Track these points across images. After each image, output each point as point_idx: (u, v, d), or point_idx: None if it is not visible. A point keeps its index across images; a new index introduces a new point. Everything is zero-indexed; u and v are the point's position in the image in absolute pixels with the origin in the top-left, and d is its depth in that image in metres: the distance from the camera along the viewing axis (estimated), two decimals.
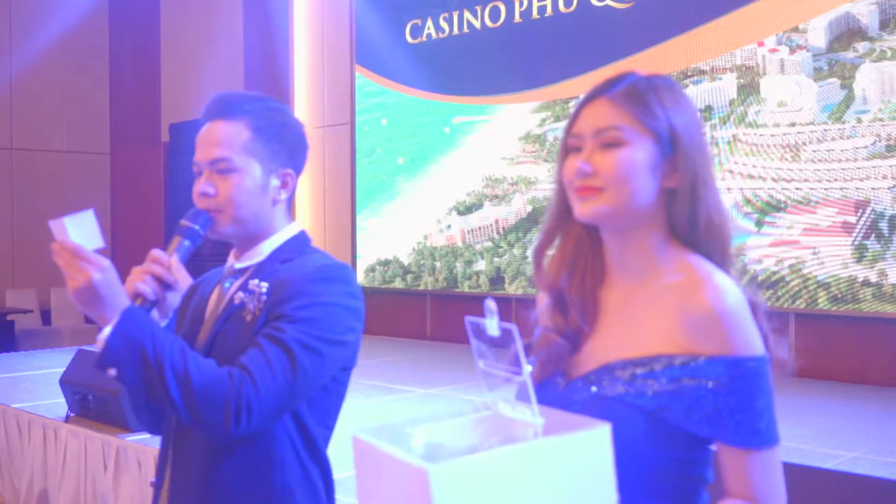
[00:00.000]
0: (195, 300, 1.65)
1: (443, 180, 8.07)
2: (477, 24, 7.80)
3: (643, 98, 1.18)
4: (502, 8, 7.61)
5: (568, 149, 1.22)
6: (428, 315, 8.04)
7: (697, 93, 6.41)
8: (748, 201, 6.10)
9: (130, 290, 1.47)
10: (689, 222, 1.19)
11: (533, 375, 1.20)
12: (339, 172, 8.70)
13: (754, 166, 6.08)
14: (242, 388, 1.36)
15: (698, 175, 1.18)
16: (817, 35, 5.77)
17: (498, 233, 7.60)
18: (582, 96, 1.24)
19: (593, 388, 1.17)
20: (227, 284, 1.60)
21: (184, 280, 1.55)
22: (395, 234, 8.33)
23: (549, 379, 1.23)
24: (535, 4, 7.36)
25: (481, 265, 7.66)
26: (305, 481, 1.52)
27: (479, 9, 7.77)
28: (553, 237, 1.27)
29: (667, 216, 1.20)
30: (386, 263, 8.42)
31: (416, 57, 8.24)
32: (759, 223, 5.98)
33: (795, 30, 5.90)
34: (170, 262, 1.50)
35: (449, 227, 7.97)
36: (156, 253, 1.50)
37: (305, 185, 8.70)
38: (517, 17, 7.51)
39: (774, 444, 1.12)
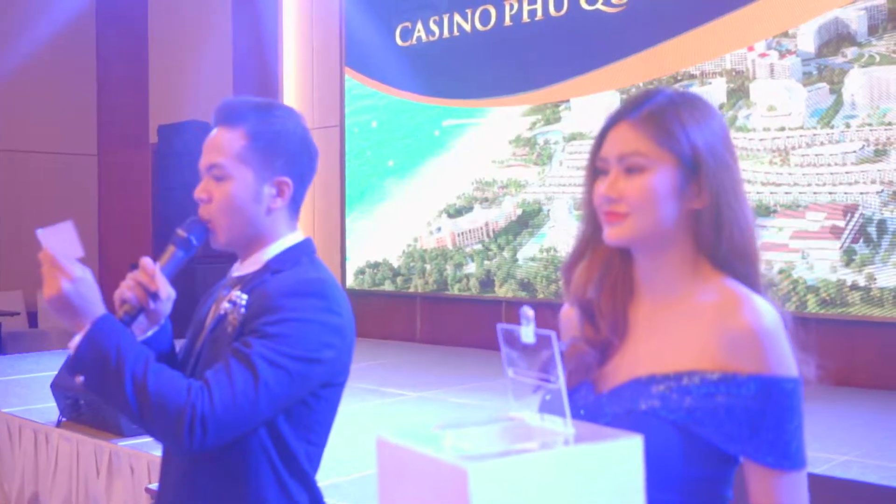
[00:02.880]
0: (202, 309, 1.65)
1: (433, 183, 8.07)
2: (467, 27, 7.81)
3: (663, 121, 1.19)
4: (493, 11, 7.61)
5: (596, 171, 1.24)
6: (418, 318, 8.05)
7: None
8: None
9: (118, 295, 1.50)
10: (714, 243, 1.20)
11: None
12: (329, 175, 8.69)
13: (744, 170, 6.08)
14: (198, 401, 1.34)
15: (722, 195, 1.18)
16: (806, 40, 5.80)
17: (488, 236, 7.61)
18: (606, 118, 1.26)
19: (624, 402, 1.17)
20: (224, 293, 1.59)
21: (164, 290, 1.53)
22: (384, 236, 8.33)
23: (575, 388, 1.23)
24: (526, 8, 7.37)
25: (471, 268, 7.67)
26: (284, 497, 1.50)
27: (469, 12, 7.78)
28: (583, 255, 1.29)
29: (694, 236, 1.21)
30: (375, 266, 8.42)
31: (406, 60, 8.24)
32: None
33: (785, 35, 5.94)
34: (152, 271, 1.50)
35: (439, 229, 7.98)
36: (144, 261, 1.52)
37: None
38: (507, 21, 7.52)
39: (802, 467, 1.13)
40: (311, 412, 1.51)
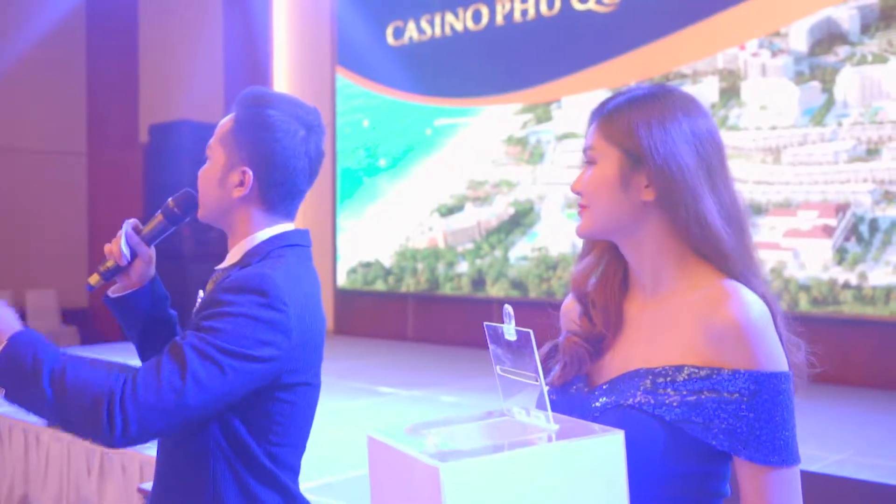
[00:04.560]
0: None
1: (424, 182, 8.05)
2: (459, 26, 7.80)
3: (613, 115, 1.24)
4: (484, 11, 7.61)
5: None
6: (409, 317, 8.03)
7: None
8: None
9: (105, 249, 1.60)
10: (679, 234, 1.21)
11: (554, 378, 1.25)
12: (320, 173, 8.65)
13: (736, 169, 6.10)
14: (117, 387, 1.31)
15: (672, 191, 1.19)
16: (798, 39, 5.81)
17: (480, 235, 7.60)
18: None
19: (613, 397, 1.17)
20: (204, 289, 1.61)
21: (144, 253, 1.62)
22: (376, 235, 8.31)
23: (569, 383, 1.25)
24: (518, 7, 7.37)
25: (463, 267, 7.65)
26: (246, 499, 1.47)
27: (461, 11, 7.77)
28: (588, 251, 1.33)
29: (664, 227, 1.22)
30: (367, 265, 8.40)
31: (398, 59, 8.22)
32: None
33: (777, 34, 5.94)
34: (118, 239, 1.58)
35: (431, 229, 7.96)
36: (126, 223, 1.60)
37: None
38: (499, 20, 7.51)
39: (794, 463, 1.12)
40: (270, 413, 1.47)
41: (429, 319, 7.86)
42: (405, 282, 8.06)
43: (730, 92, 6.19)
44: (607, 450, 0.97)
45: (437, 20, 7.94)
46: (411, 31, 8.14)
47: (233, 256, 1.53)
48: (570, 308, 1.35)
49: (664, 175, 1.18)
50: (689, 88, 6.40)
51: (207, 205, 1.53)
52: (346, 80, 8.60)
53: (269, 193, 1.54)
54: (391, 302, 8.09)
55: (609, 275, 1.29)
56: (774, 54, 5.98)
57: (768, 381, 1.11)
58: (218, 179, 1.51)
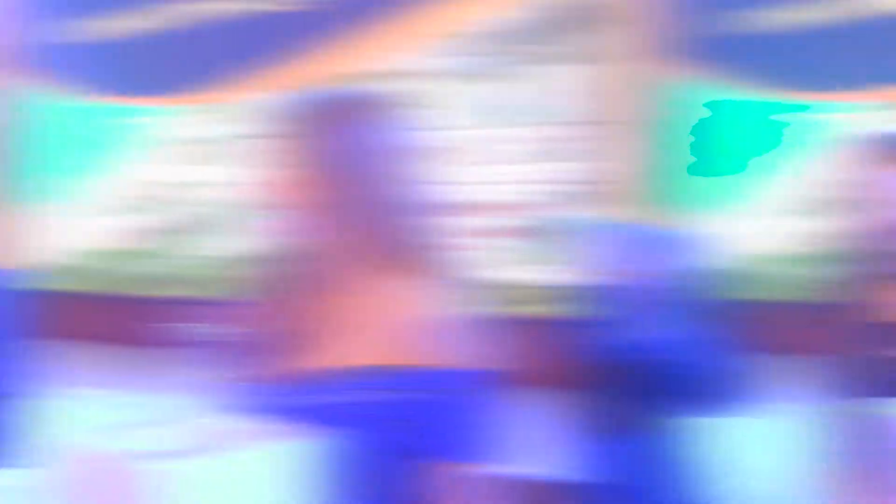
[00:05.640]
0: None
1: None
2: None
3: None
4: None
5: None
6: None
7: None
8: None
9: None
10: None
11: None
12: None
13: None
14: None
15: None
16: (479, 40, 5.83)
17: None
18: None
19: (312, 396, 1.15)
20: None
21: None
22: None
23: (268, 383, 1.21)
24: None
25: None
26: None
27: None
28: None
29: None
30: None
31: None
32: None
33: (457, 35, 5.94)
34: None
35: None
36: None
37: None
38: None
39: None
40: None
41: None
42: None
43: (410, 94, 6.04)
44: (293, 455, 0.99)
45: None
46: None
47: None
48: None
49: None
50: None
51: None
52: None
53: None
54: None
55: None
56: (454, 56, 5.98)
57: (445, 379, 1.16)
58: None
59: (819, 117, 7.41)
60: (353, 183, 1.21)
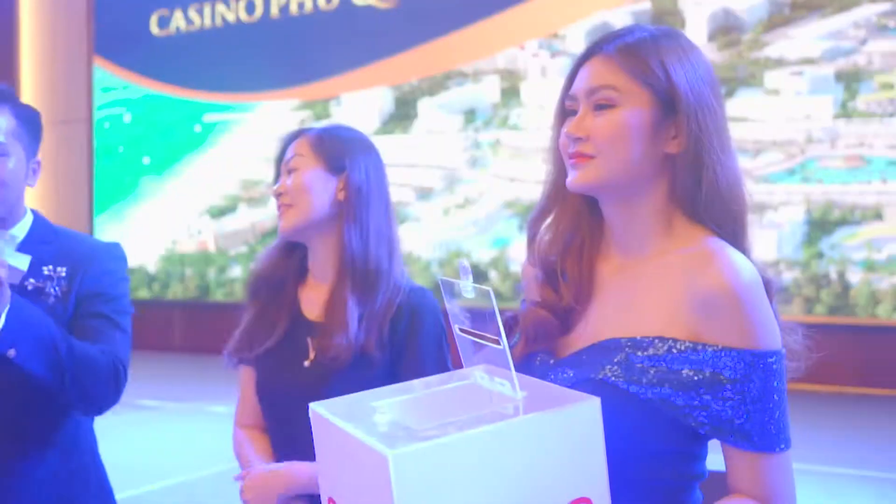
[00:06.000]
0: None
1: (194, 182, 7.53)
2: (231, 17, 7.38)
3: (640, 53, 1.03)
4: (258, 1, 7.24)
5: (565, 112, 1.07)
6: (176, 326, 7.45)
7: (460, 95, 6.38)
8: (511, 204, 6.13)
9: None
10: (692, 193, 1.03)
11: (516, 350, 1.09)
12: (74, 172, 7.92)
13: (517, 169, 6.12)
14: (115, 362, 1.54)
15: (703, 140, 1.02)
16: (576, 41, 5.90)
17: (254, 237, 7.20)
18: (580, 53, 1.07)
19: (583, 370, 1.02)
20: None
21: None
22: (139, 240, 7.66)
23: (532, 355, 1.09)
24: (294, 0, 7.07)
25: (236, 272, 7.21)
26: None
27: (233, 1, 7.35)
28: (550, 208, 1.12)
29: (670, 185, 1.04)
30: (129, 272, 7.74)
31: (164, 49, 7.67)
32: (521, 226, 6.02)
33: (555, 36, 6.01)
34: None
35: (200, 232, 7.46)
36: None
37: (36, 186, 7.84)
38: (275, 12, 7.18)
39: (787, 448, 0.99)
40: None
41: (198, 328, 7.32)
42: (172, 289, 7.50)
43: (510, 92, 6.19)
44: (582, 420, 0.86)
45: (207, 10, 7.48)
46: (178, 20, 7.62)
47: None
48: (531, 272, 1.16)
49: (698, 123, 1.02)
50: (470, 87, 6.36)
51: (11, 199, 1.60)
52: (106, 72, 7.92)
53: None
54: (156, 310, 7.46)
55: (585, 240, 1.10)
56: (553, 56, 6.05)
57: (759, 361, 0.96)
58: (23, 173, 1.61)
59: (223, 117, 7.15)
60: (712, 135, 1.05)
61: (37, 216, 1.66)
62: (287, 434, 1.47)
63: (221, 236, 7.35)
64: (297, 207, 1.47)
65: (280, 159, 1.55)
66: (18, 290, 1.54)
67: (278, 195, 1.50)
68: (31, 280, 1.57)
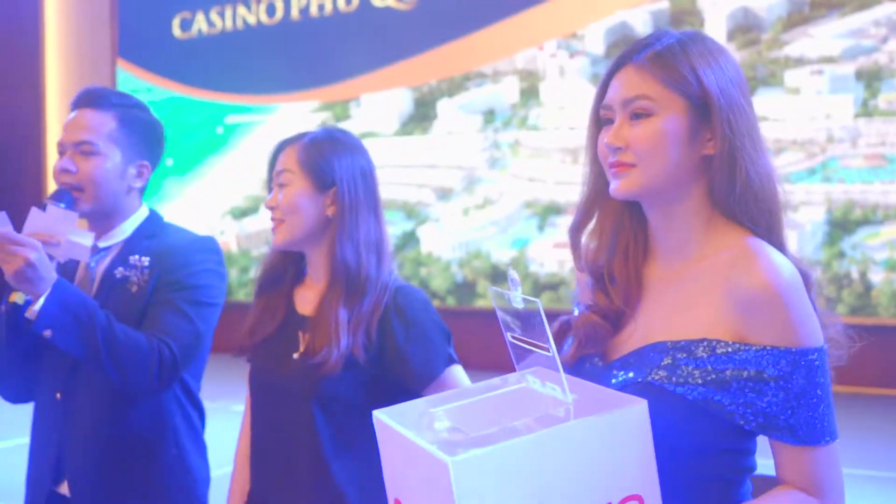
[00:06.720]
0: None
1: (216, 183, 7.59)
2: (252, 19, 7.43)
3: (671, 60, 1.07)
4: (279, 4, 7.28)
5: (599, 121, 1.13)
6: None
7: (479, 96, 6.39)
8: (530, 204, 6.13)
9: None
10: (728, 192, 1.07)
11: (568, 354, 1.15)
12: None
13: (536, 169, 6.12)
14: (161, 349, 1.60)
15: (736, 139, 1.06)
16: (595, 41, 5.89)
17: None
18: (610, 62, 1.12)
19: (631, 373, 1.07)
20: (92, 264, 1.74)
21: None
22: None
23: (584, 358, 1.14)
24: (315, 1, 7.10)
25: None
26: (188, 426, 1.78)
27: (254, 4, 7.40)
28: (591, 214, 1.17)
29: (708, 186, 1.09)
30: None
31: (186, 52, 7.73)
32: (540, 226, 6.03)
33: (574, 36, 6.01)
34: (10, 238, 1.56)
35: (222, 232, 7.51)
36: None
37: None
38: (295, 14, 7.21)
39: (833, 440, 1.03)
40: (200, 352, 1.75)
41: (220, 328, 7.36)
42: None
43: (529, 92, 6.19)
44: (632, 422, 0.92)
45: (228, 12, 7.53)
46: (200, 22, 7.68)
47: (118, 234, 1.75)
48: (582, 278, 1.21)
49: (730, 124, 1.06)
50: (490, 88, 6.37)
51: (103, 196, 1.70)
52: (129, 74, 8.00)
53: (148, 181, 1.80)
54: None
55: (630, 243, 1.14)
56: (572, 56, 6.04)
57: (802, 358, 1.00)
58: (119, 173, 1.71)
59: (244, 118, 7.14)
60: (745, 135, 1.09)
61: (152, 213, 1.80)
62: (267, 419, 1.59)
63: (243, 237, 7.41)
64: (289, 224, 1.56)
65: (272, 167, 1.64)
66: (107, 276, 1.71)
67: (271, 208, 1.59)
68: (120, 269, 1.71)
